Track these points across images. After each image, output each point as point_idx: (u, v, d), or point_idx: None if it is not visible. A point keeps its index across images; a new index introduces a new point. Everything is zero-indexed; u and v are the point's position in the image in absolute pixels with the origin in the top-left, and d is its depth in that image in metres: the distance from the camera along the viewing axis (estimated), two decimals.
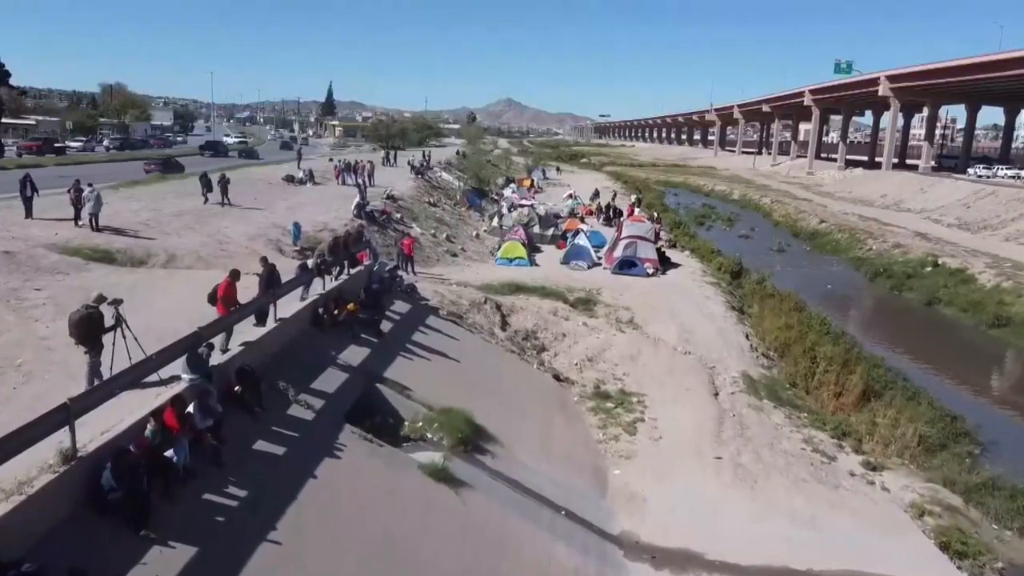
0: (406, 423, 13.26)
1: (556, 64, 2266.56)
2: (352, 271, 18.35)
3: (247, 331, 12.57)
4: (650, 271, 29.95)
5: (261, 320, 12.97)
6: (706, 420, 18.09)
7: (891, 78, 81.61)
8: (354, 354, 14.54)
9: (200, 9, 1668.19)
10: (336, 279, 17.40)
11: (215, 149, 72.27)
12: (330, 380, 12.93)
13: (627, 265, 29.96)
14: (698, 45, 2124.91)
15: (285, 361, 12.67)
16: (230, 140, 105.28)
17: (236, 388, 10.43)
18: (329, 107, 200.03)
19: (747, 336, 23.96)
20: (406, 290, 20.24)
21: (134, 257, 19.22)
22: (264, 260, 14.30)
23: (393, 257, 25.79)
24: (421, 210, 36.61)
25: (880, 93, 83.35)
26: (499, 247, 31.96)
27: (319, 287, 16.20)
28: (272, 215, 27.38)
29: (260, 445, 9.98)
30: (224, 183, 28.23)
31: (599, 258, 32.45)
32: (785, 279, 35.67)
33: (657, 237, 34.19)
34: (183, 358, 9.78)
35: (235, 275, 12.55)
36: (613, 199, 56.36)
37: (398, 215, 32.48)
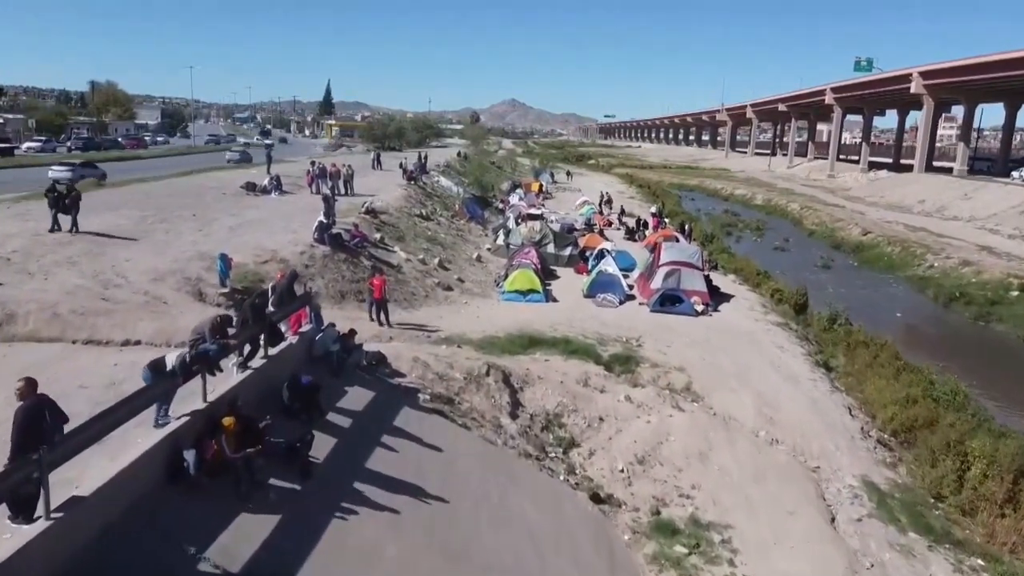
0: None
1: (560, 65, 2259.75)
2: (272, 351, 11.13)
3: None
4: (699, 308, 23.27)
5: (20, 513, 6.21)
6: None
7: (924, 74, 75.17)
8: (242, 537, 7.64)
9: (203, 9, 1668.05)
10: (242, 368, 10.47)
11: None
12: None
13: (670, 301, 23.27)
14: (701, 46, 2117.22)
15: None
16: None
17: None
18: (327, 106, 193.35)
19: (850, 411, 17.29)
20: (370, 363, 13.49)
21: None
22: (25, 386, 6.71)
23: (365, 297, 19.21)
24: (409, 226, 29.83)
25: (912, 90, 76.93)
26: (505, 275, 25.32)
27: (201, 395, 9.07)
28: (206, 239, 20.43)
29: None
30: (75, 200, 19.60)
31: (630, 287, 25.82)
32: (844, 305, 28.94)
33: (704, 262, 27.42)
34: None
35: None
36: (606, 201, 50.63)
37: (378, 235, 25.70)
